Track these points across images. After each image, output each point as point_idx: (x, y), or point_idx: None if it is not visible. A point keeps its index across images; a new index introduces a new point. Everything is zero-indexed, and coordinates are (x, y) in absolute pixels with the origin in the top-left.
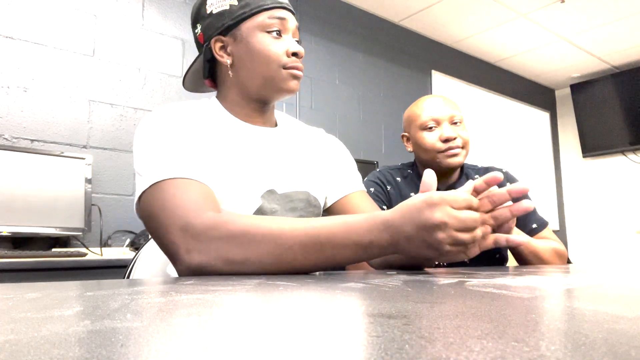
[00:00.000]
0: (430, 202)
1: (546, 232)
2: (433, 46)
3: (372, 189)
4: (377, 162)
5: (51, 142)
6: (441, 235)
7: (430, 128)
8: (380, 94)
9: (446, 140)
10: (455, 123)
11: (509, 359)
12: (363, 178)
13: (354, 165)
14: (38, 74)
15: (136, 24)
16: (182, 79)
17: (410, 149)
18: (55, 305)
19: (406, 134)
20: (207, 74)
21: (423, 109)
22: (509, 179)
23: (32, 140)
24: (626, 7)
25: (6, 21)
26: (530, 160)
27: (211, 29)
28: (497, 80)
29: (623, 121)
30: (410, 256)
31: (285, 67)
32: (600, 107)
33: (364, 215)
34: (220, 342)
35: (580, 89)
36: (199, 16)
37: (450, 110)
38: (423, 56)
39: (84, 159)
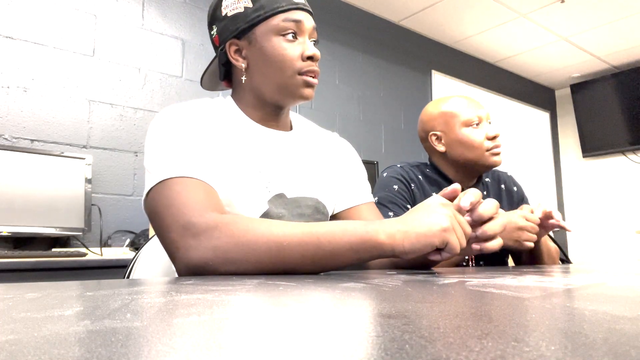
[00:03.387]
0: (440, 200)
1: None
2: (433, 46)
3: (395, 187)
4: (377, 162)
5: (51, 142)
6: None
7: (477, 125)
8: (380, 94)
9: (492, 139)
10: (490, 122)
11: (509, 359)
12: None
13: (365, 174)
14: (38, 74)
15: (136, 24)
16: (199, 79)
17: (442, 148)
18: (55, 305)
19: (437, 132)
20: (222, 76)
21: (465, 105)
22: (514, 183)
23: (32, 140)
24: (626, 7)
25: (6, 21)
26: (530, 160)
27: (226, 32)
28: (497, 80)
29: (623, 121)
30: (412, 250)
31: (300, 73)
32: (600, 107)
33: (365, 220)
34: (220, 342)
35: (580, 89)
36: (214, 18)
37: (486, 109)
38: (423, 56)
39: (84, 159)
